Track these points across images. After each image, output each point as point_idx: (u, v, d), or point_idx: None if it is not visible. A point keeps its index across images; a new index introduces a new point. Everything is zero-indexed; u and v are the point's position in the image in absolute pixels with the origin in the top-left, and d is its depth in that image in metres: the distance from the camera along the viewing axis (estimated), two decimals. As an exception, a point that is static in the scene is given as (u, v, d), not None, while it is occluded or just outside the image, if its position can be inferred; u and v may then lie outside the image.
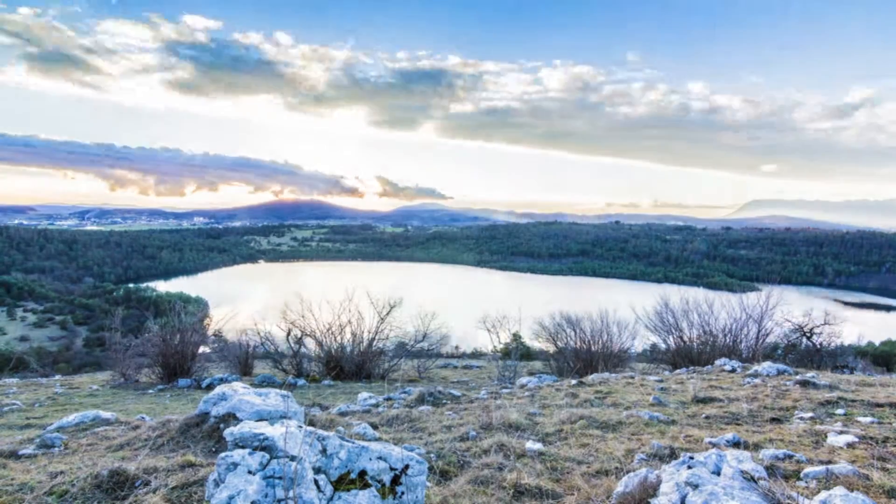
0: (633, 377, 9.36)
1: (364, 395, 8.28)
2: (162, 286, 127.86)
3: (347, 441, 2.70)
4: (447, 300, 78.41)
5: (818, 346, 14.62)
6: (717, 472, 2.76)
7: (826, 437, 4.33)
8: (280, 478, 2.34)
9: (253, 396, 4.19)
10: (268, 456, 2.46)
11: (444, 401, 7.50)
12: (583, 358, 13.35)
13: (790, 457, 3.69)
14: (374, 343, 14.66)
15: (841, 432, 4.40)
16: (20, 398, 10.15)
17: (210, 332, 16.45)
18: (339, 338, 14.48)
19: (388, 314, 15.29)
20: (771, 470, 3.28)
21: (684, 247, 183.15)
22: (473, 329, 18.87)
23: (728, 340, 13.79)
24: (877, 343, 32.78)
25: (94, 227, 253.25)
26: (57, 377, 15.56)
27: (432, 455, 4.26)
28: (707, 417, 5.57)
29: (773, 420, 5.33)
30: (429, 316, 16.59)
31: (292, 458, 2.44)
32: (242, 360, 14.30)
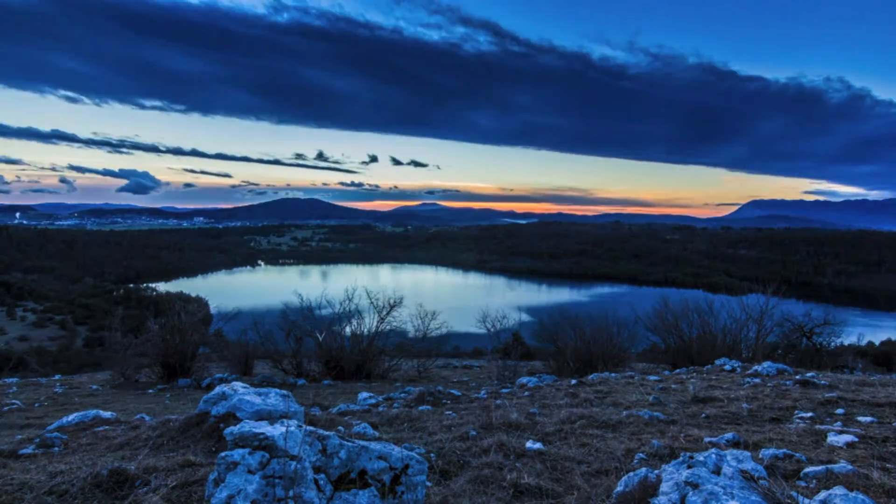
0: (632, 377, 9.36)
1: (364, 394, 8.28)
2: (162, 286, 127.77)
3: (347, 440, 2.69)
4: (447, 299, 78.36)
5: (818, 346, 14.62)
6: (717, 472, 2.76)
7: (826, 436, 4.33)
8: (280, 477, 2.34)
9: (253, 396, 4.18)
10: (268, 455, 2.46)
11: (444, 400, 7.50)
12: (583, 358, 13.33)
13: (790, 456, 3.69)
14: (374, 343, 14.66)
15: (841, 432, 4.40)
16: (20, 398, 10.15)
17: (210, 332, 16.43)
18: (339, 338, 14.48)
19: (388, 314, 15.29)
20: (771, 469, 3.28)
21: (684, 247, 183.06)
22: (473, 329, 18.85)
23: (728, 340, 13.80)
24: (877, 343, 32.79)
25: (95, 227, 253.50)
26: (57, 377, 15.56)
27: (432, 454, 4.25)
28: (707, 417, 5.57)
29: (773, 420, 5.33)
30: (429, 316, 16.58)
31: (292, 458, 2.43)
32: (242, 360, 14.30)
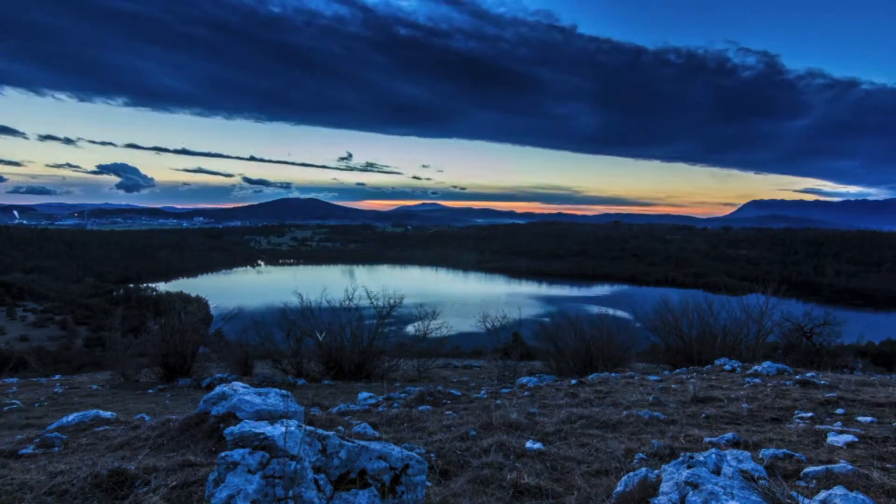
0: (632, 377, 9.36)
1: (364, 394, 8.28)
2: (162, 286, 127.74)
3: (347, 440, 2.69)
4: (447, 300, 78.41)
5: (818, 346, 14.62)
6: (717, 472, 2.76)
7: (826, 436, 4.33)
8: (280, 477, 2.34)
9: (253, 396, 4.18)
10: (268, 455, 2.46)
11: (444, 400, 7.50)
12: (583, 358, 13.34)
13: (790, 456, 3.69)
14: (374, 343, 14.66)
15: (841, 432, 4.40)
16: (20, 398, 10.15)
17: (210, 332, 16.44)
18: (338, 338, 14.48)
19: (388, 314, 15.29)
20: (771, 469, 3.28)
21: (684, 247, 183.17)
22: (473, 329, 18.85)
23: (728, 340, 13.80)
24: (877, 343, 32.79)
25: (95, 227, 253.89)
26: (57, 377, 15.55)
27: (432, 454, 4.25)
28: (707, 417, 5.57)
29: (773, 420, 5.33)
30: (429, 316, 16.58)
31: (292, 458, 2.43)
32: (242, 360, 14.30)
